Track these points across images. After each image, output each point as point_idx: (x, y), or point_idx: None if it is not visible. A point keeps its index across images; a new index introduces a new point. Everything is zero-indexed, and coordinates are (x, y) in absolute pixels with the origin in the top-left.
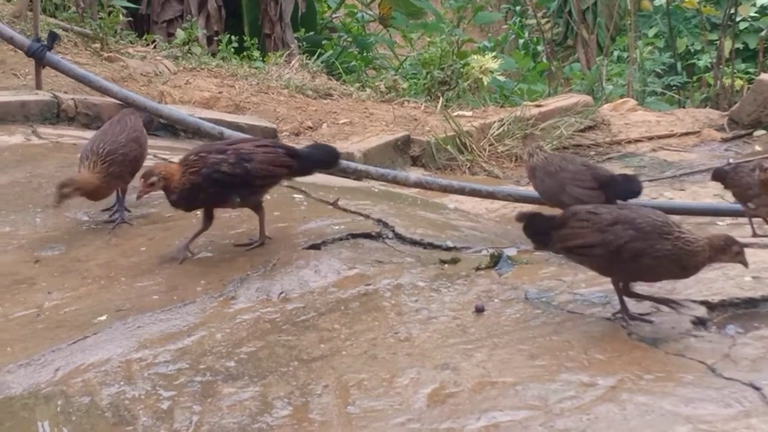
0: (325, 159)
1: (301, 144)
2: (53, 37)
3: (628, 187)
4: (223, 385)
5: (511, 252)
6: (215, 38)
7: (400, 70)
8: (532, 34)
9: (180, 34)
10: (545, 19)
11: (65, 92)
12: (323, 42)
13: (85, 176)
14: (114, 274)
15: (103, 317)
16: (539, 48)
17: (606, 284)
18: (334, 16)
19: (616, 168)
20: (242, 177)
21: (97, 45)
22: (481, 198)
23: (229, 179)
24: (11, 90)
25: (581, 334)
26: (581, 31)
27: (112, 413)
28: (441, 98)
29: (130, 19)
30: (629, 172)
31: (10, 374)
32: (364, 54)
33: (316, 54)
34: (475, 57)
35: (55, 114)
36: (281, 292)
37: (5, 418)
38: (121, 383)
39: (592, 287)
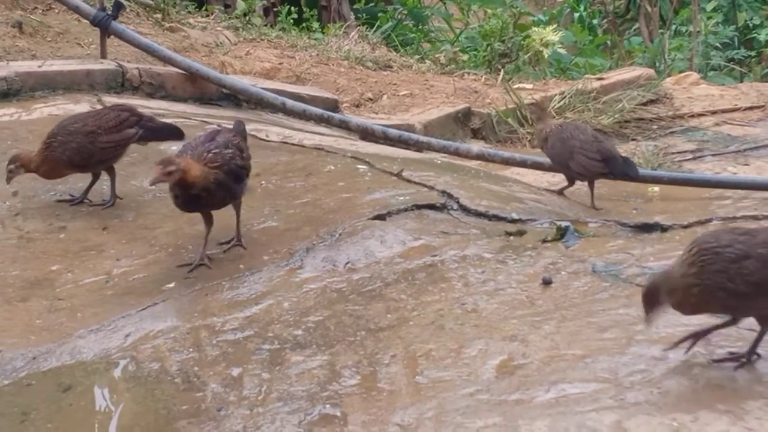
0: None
1: (362, 116)
2: (118, 7)
3: (625, 169)
4: (291, 353)
5: (577, 224)
6: (273, 9)
7: (456, 43)
8: (592, 6)
9: (240, 4)
10: None
11: (128, 61)
12: (379, 14)
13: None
14: (181, 242)
15: (171, 284)
16: (594, 21)
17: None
18: None
19: (680, 142)
20: (247, 170)
21: (159, 15)
22: (543, 171)
23: (243, 173)
24: (76, 59)
25: None
26: (644, 4)
27: (182, 379)
28: (501, 71)
29: None
30: (693, 146)
31: (81, 339)
32: (420, 27)
33: (374, 27)
34: (536, 29)
35: (120, 83)
36: (347, 262)
37: (77, 383)
38: (190, 350)
39: (661, 260)
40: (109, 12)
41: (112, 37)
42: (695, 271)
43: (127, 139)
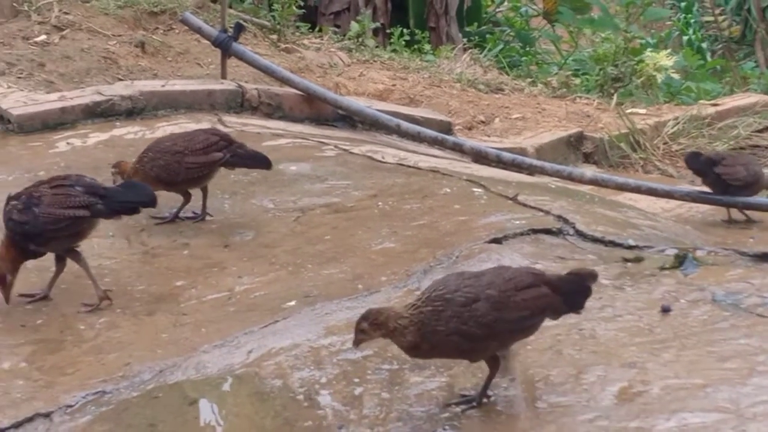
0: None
1: (474, 138)
2: (239, 28)
3: None
4: (410, 374)
5: (695, 252)
6: (381, 31)
7: (564, 66)
8: (708, 31)
9: (353, 26)
10: (722, 17)
11: (246, 82)
12: (486, 36)
13: None
14: (301, 261)
15: (292, 303)
16: (703, 45)
17: None
18: (497, 10)
19: None
20: None
21: (275, 36)
22: (657, 197)
23: None
24: (197, 79)
25: None
26: (761, 29)
27: (304, 396)
28: (615, 95)
29: (303, 11)
30: None
31: (205, 354)
32: (527, 49)
33: (485, 49)
34: (649, 54)
35: (239, 103)
36: None
37: (202, 397)
38: (311, 368)
39: None
40: (230, 33)
41: (231, 57)
42: (421, 319)
43: (213, 162)
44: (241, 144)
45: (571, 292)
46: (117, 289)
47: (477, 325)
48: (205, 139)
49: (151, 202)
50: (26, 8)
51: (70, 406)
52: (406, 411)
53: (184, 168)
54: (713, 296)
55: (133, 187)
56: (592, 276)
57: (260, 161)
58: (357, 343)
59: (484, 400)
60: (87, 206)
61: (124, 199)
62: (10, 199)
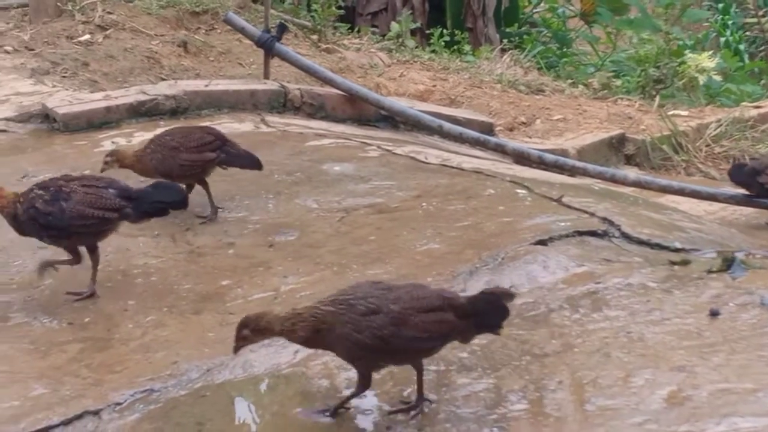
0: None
1: (515, 139)
2: (282, 28)
3: None
4: (456, 375)
5: (742, 255)
6: (420, 31)
7: (601, 67)
8: (747, 32)
9: (394, 26)
10: (765, 18)
11: (288, 82)
12: (523, 37)
13: None
14: (346, 261)
15: None
16: (741, 47)
17: None
18: (534, 11)
19: None
20: None
21: (315, 37)
22: (701, 200)
23: None
24: (240, 79)
25: None
26: None
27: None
28: (657, 97)
29: (342, 11)
30: None
31: (252, 353)
32: (564, 50)
33: (525, 50)
34: (691, 55)
35: (282, 103)
36: (510, 286)
37: (249, 395)
38: None
39: None
40: (274, 34)
41: (274, 58)
42: (318, 316)
43: (206, 161)
44: (234, 144)
45: (483, 313)
46: (163, 288)
47: (371, 337)
48: (199, 138)
49: (183, 202)
50: (70, 8)
51: (119, 404)
52: (453, 412)
53: (178, 164)
54: (762, 300)
55: (163, 187)
56: (508, 295)
57: (251, 162)
58: (236, 350)
59: (426, 402)
60: (117, 209)
61: (153, 199)
62: (36, 186)
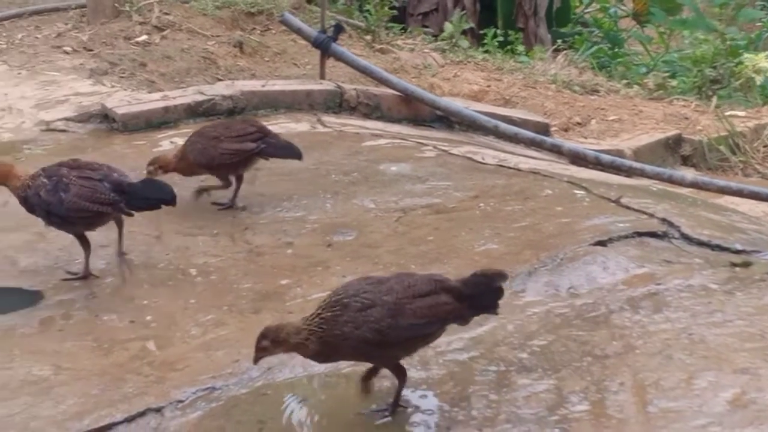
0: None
1: (570, 140)
2: (338, 29)
3: None
4: (517, 375)
5: None
6: (471, 32)
7: (654, 67)
8: None
9: (447, 26)
10: None
11: (343, 82)
12: (575, 37)
13: None
14: (404, 262)
15: None
16: None
17: None
18: (585, 11)
19: None
20: None
21: (369, 37)
22: (760, 201)
23: None
24: (296, 79)
25: None
26: None
27: (412, 396)
28: (714, 97)
29: (395, 12)
30: None
31: None
32: (616, 50)
33: (578, 50)
34: (748, 56)
35: (338, 103)
36: (570, 287)
37: (310, 395)
38: (417, 368)
39: None
40: (330, 34)
41: (329, 58)
42: (319, 325)
43: (246, 150)
44: (275, 135)
45: (477, 295)
46: (223, 287)
47: (370, 331)
48: (241, 128)
49: (172, 200)
50: (127, 9)
51: (181, 402)
52: (514, 413)
53: (219, 153)
54: None
55: (153, 184)
56: (501, 276)
57: (291, 152)
58: (256, 360)
59: (399, 408)
60: (111, 203)
61: (144, 195)
62: (43, 173)
